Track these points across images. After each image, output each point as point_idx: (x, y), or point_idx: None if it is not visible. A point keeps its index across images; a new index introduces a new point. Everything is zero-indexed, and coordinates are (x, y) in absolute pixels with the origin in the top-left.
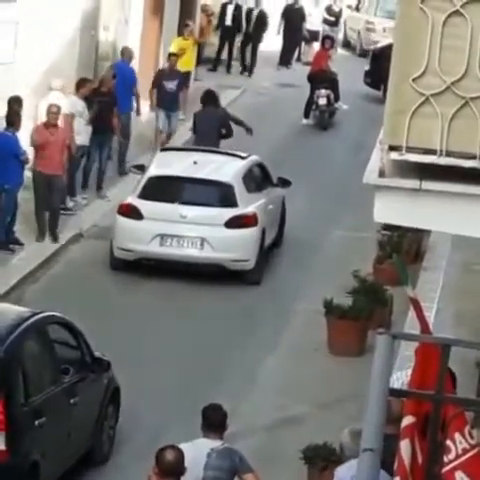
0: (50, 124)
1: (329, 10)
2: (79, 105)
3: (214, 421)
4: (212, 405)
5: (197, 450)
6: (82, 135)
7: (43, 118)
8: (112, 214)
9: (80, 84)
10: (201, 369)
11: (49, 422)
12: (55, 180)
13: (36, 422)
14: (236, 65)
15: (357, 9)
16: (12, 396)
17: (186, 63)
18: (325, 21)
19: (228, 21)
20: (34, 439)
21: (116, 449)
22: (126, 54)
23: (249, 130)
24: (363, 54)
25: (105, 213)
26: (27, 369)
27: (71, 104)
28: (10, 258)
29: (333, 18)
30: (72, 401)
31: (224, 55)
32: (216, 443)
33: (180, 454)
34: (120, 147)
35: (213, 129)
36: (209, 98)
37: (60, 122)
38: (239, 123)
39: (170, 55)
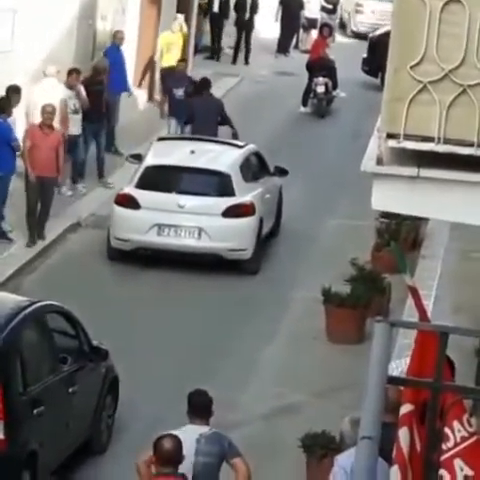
0: (45, 125)
1: None
2: (66, 94)
3: (200, 407)
4: (198, 391)
5: (186, 437)
6: (70, 123)
7: (36, 104)
8: (110, 203)
9: (69, 73)
10: (199, 358)
11: (47, 411)
12: (48, 183)
13: (34, 411)
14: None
15: None
16: (10, 385)
17: (174, 59)
18: (323, 9)
19: (215, 8)
20: (32, 428)
21: (114, 438)
22: (118, 37)
23: (235, 134)
24: (353, 35)
25: (103, 202)
26: (25, 358)
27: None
28: (7, 247)
29: (331, 6)
30: (70, 390)
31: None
32: (204, 429)
33: (178, 442)
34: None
35: (212, 117)
36: (205, 85)
37: (56, 122)
38: (228, 122)
39: (179, 60)
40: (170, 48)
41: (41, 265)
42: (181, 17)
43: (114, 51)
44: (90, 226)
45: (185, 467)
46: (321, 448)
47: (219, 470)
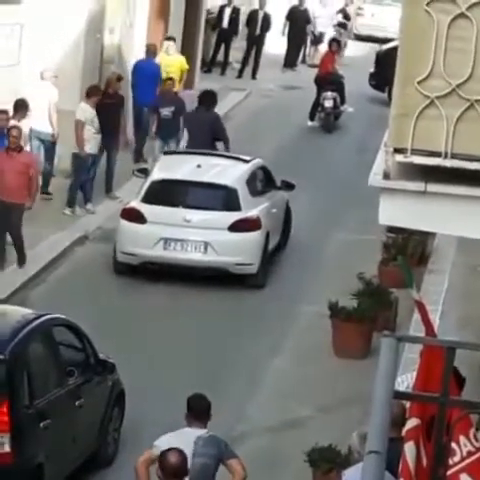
0: (10, 148)
1: (344, 13)
2: (89, 113)
3: (199, 410)
4: (197, 394)
5: (184, 439)
6: (91, 143)
7: (34, 104)
8: (118, 217)
9: (91, 92)
10: (205, 372)
11: (54, 424)
12: (14, 209)
13: (41, 424)
14: (231, 68)
15: None
16: (17, 398)
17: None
18: (340, 25)
19: (225, 23)
20: (39, 441)
21: (121, 451)
22: (151, 50)
23: (227, 149)
24: (355, 38)
25: (111, 216)
26: (32, 371)
27: (81, 111)
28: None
29: (346, 21)
30: (77, 403)
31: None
32: (201, 431)
33: (183, 456)
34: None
35: (205, 132)
36: (204, 100)
37: (25, 145)
38: (221, 137)
39: (165, 79)
40: (166, 70)
41: (48, 278)
42: (172, 44)
43: (149, 64)
44: (97, 239)
45: None
46: (327, 462)
47: (216, 472)
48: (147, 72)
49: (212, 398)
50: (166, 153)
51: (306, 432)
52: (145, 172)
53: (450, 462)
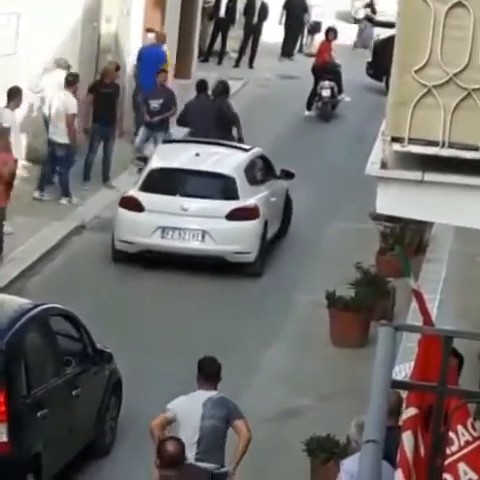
0: None
1: (371, 7)
2: (75, 103)
3: (210, 373)
4: (207, 357)
5: (194, 401)
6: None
7: (46, 92)
8: (115, 206)
9: (72, 80)
10: None
11: (51, 414)
12: None
13: (38, 414)
14: (228, 57)
15: None
16: (14, 388)
17: None
18: (367, 18)
19: (222, 13)
20: (36, 431)
21: (118, 440)
22: (160, 37)
23: (240, 139)
24: (353, 21)
25: (108, 205)
26: (29, 361)
27: (70, 104)
28: (12, 250)
29: (373, 15)
30: (74, 393)
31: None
32: (211, 393)
33: (181, 445)
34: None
35: (208, 119)
36: (200, 87)
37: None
38: (234, 123)
39: (160, 70)
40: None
41: (45, 267)
42: (158, 31)
43: (156, 50)
44: (94, 229)
45: (192, 430)
46: (325, 452)
47: (225, 434)
48: (153, 58)
49: None
50: (165, 141)
51: (304, 422)
52: (145, 160)
53: (448, 451)
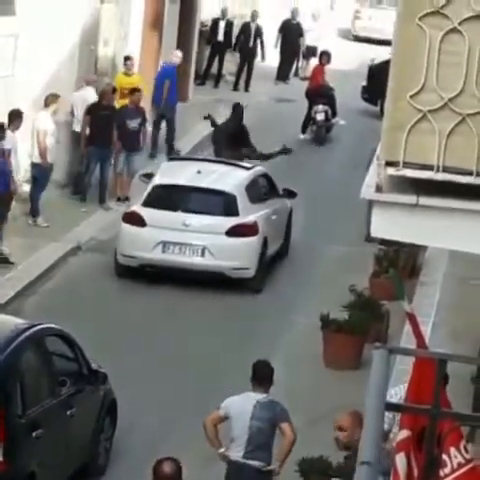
0: None
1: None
2: (49, 122)
3: (262, 375)
4: (261, 361)
5: (245, 402)
6: (52, 153)
7: (78, 110)
8: (111, 228)
9: (49, 100)
10: (199, 380)
11: (46, 434)
12: None
13: (33, 434)
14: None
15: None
16: (10, 407)
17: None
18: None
19: (220, 36)
20: (31, 450)
21: (112, 461)
22: (173, 59)
23: (288, 150)
24: (354, 39)
25: (104, 226)
26: (25, 381)
27: (42, 121)
28: (9, 270)
29: None
30: (69, 413)
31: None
32: (261, 396)
33: (177, 466)
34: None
35: (227, 142)
36: (232, 110)
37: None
38: (252, 147)
39: (133, 90)
40: (123, 92)
41: (41, 288)
42: (133, 59)
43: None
44: (90, 250)
45: (242, 429)
46: (318, 473)
47: (273, 435)
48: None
49: (202, 407)
50: (170, 159)
51: (297, 443)
52: (150, 177)
53: (441, 474)
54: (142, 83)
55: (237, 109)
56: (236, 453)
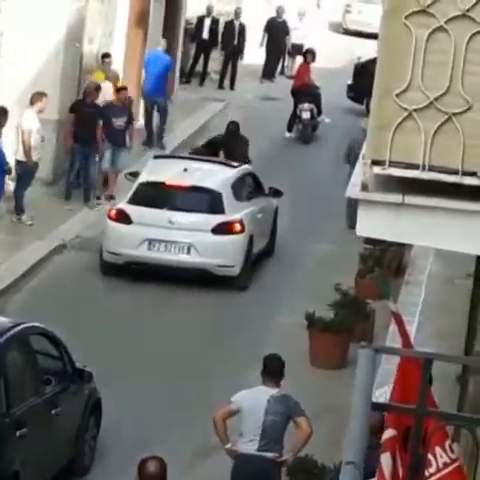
0: None
1: None
2: (35, 120)
3: (274, 370)
4: (272, 355)
5: (258, 397)
6: (37, 150)
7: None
8: (96, 225)
9: (34, 98)
10: (184, 379)
11: (30, 432)
12: None
13: (17, 432)
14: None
15: None
16: None
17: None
18: None
19: (205, 34)
20: (15, 449)
21: (97, 460)
22: (162, 45)
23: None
24: (344, 32)
25: (89, 224)
26: (9, 379)
27: (27, 119)
28: None
29: None
30: (54, 412)
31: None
32: (274, 390)
33: (162, 465)
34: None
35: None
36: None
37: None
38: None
39: (120, 88)
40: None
41: (26, 286)
42: (112, 58)
43: (161, 56)
44: (75, 248)
45: (256, 424)
46: (304, 473)
47: (285, 428)
48: (157, 64)
49: (187, 409)
50: (156, 157)
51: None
52: (136, 175)
53: (426, 473)
54: (118, 81)
55: (230, 127)
56: (248, 447)
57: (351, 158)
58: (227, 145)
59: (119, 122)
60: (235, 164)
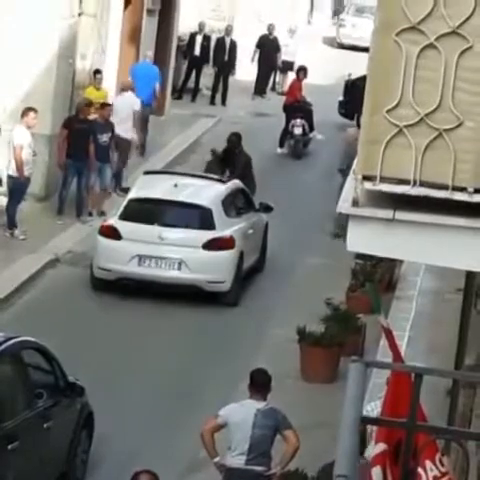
0: None
1: None
2: (26, 135)
3: (260, 384)
4: (258, 369)
5: (246, 411)
6: (29, 165)
7: (118, 113)
8: (88, 240)
9: (24, 113)
10: (176, 394)
11: (22, 446)
12: None
13: (9, 446)
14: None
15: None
16: None
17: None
18: None
19: (197, 51)
20: (7, 463)
21: (89, 474)
22: (149, 56)
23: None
24: (338, 46)
25: (81, 239)
26: (1, 393)
27: (18, 135)
28: None
29: None
30: (46, 426)
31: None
32: (261, 404)
33: (154, 478)
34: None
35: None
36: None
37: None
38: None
39: (103, 105)
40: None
41: (19, 300)
42: (102, 74)
43: (147, 66)
44: (68, 263)
45: (243, 437)
46: None
47: (273, 441)
48: (143, 74)
49: (178, 423)
50: (146, 173)
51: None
52: (127, 191)
53: None
54: (107, 98)
55: (231, 139)
56: (236, 460)
57: (345, 167)
58: (228, 158)
59: (104, 138)
60: (225, 180)
